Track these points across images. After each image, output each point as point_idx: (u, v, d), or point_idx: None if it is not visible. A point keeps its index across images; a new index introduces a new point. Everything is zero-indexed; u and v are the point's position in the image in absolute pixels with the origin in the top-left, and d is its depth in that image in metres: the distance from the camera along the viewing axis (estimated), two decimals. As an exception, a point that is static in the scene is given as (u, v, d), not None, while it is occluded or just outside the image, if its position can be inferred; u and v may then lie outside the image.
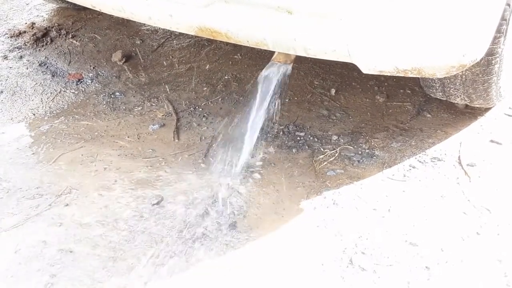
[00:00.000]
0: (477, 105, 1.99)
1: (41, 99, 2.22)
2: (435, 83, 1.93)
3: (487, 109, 2.06)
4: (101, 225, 1.62)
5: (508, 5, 1.63)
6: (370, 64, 1.54)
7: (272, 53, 1.87)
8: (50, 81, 2.33)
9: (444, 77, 1.86)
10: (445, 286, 1.42)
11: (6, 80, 2.33)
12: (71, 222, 1.63)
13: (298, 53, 1.62)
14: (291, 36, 1.56)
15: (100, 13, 2.77)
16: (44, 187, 1.76)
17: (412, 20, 1.44)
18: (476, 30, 1.49)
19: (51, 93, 2.26)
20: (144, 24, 2.78)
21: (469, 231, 1.58)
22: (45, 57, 2.48)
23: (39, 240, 1.57)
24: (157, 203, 1.70)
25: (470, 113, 2.06)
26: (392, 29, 1.46)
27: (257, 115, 2.10)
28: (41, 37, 2.60)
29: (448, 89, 1.92)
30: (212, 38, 1.72)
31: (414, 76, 1.56)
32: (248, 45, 1.68)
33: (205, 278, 1.47)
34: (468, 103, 1.98)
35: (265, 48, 1.66)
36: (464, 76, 1.82)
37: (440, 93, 1.97)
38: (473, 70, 1.78)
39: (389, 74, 1.57)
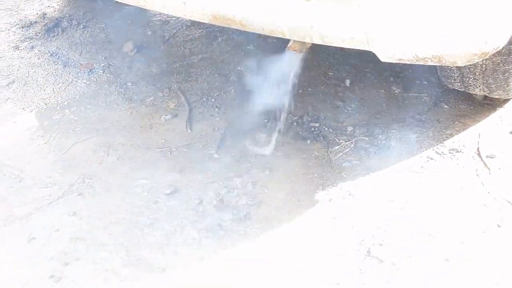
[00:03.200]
0: (496, 96, 1.94)
1: (53, 89, 2.20)
2: (454, 73, 1.89)
3: (506, 100, 2.02)
4: (113, 214, 1.61)
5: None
6: (389, 52, 1.51)
7: (286, 42, 1.83)
8: (62, 71, 2.31)
9: (463, 67, 1.82)
10: (465, 279, 1.39)
11: (18, 70, 2.31)
12: (85, 211, 1.61)
13: (314, 41, 1.59)
14: (308, 23, 1.53)
15: (111, 4, 2.74)
16: (56, 177, 1.74)
17: (433, 6, 1.40)
18: (499, 17, 1.45)
19: (62, 83, 2.24)
20: (156, 14, 2.76)
21: (490, 223, 1.54)
22: (57, 48, 2.46)
23: (52, 229, 1.55)
24: (171, 193, 1.68)
25: (489, 104, 2.02)
26: (413, 15, 1.42)
27: (271, 107, 2.08)
28: (52, 27, 2.59)
29: (467, 79, 1.88)
30: (226, 26, 1.69)
31: (434, 64, 1.52)
32: (263, 33, 1.65)
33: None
34: (487, 94, 1.94)
35: (281, 36, 1.63)
36: (484, 65, 1.78)
37: (459, 84, 1.93)
38: (493, 59, 1.74)
39: (408, 63, 1.53)
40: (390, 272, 1.41)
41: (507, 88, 1.87)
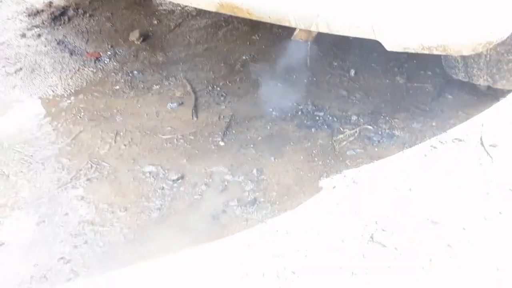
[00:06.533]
0: (500, 87, 1.95)
1: (60, 76, 2.22)
2: (458, 63, 1.90)
3: (509, 91, 2.02)
4: (121, 199, 1.63)
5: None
6: (394, 40, 1.52)
7: (291, 32, 1.85)
8: (69, 59, 2.33)
9: (468, 57, 1.83)
10: (467, 264, 1.41)
11: (25, 57, 2.33)
12: (93, 196, 1.64)
13: (320, 29, 1.60)
14: (314, 12, 1.54)
15: (118, -7, 2.76)
16: (65, 162, 1.77)
17: (439, -5, 1.41)
18: (505, 6, 1.46)
19: (69, 70, 2.26)
20: (162, 3, 2.77)
21: (492, 210, 1.56)
22: (63, 36, 2.48)
23: (61, 213, 1.58)
24: (177, 179, 1.71)
25: (492, 95, 2.03)
26: (418, 4, 1.43)
27: (276, 95, 2.10)
28: (59, 15, 2.60)
29: (471, 69, 1.89)
30: (233, 14, 1.70)
31: (439, 53, 1.53)
32: (270, 21, 1.66)
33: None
34: (490, 85, 1.95)
35: (287, 24, 1.64)
36: (488, 55, 1.79)
37: (463, 74, 1.94)
38: (498, 49, 1.75)
39: (413, 52, 1.55)
40: (392, 257, 1.44)
41: (510, 79, 1.88)
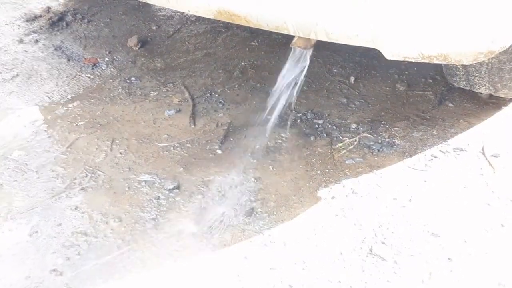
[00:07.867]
0: (502, 95, 1.93)
1: (57, 83, 2.20)
2: (459, 72, 1.88)
3: (511, 99, 2.00)
4: (115, 209, 1.61)
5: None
6: (394, 49, 1.49)
7: (291, 38, 1.82)
8: (66, 65, 2.31)
9: (469, 66, 1.81)
10: (468, 279, 1.38)
11: (22, 63, 2.32)
12: (87, 206, 1.61)
13: (319, 37, 1.58)
14: (313, 20, 1.52)
15: (116, -2, 2.75)
16: (59, 171, 1.74)
17: (439, 4, 1.39)
18: (506, 15, 1.44)
19: (66, 77, 2.24)
20: (160, 9, 2.75)
21: (494, 223, 1.53)
22: (61, 41, 2.46)
23: (54, 223, 1.55)
24: (173, 189, 1.68)
25: (494, 103, 2.00)
26: (418, 13, 1.41)
27: (275, 103, 2.07)
28: (57, 21, 2.59)
29: (473, 77, 1.86)
30: (231, 21, 1.68)
31: (440, 62, 1.51)
32: (268, 29, 1.64)
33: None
34: (492, 93, 1.93)
35: (285, 32, 1.62)
36: (490, 64, 1.77)
37: (464, 82, 1.91)
38: (500, 57, 1.73)
39: (413, 61, 1.52)
40: (392, 271, 1.41)
41: (513, 87, 1.85)
